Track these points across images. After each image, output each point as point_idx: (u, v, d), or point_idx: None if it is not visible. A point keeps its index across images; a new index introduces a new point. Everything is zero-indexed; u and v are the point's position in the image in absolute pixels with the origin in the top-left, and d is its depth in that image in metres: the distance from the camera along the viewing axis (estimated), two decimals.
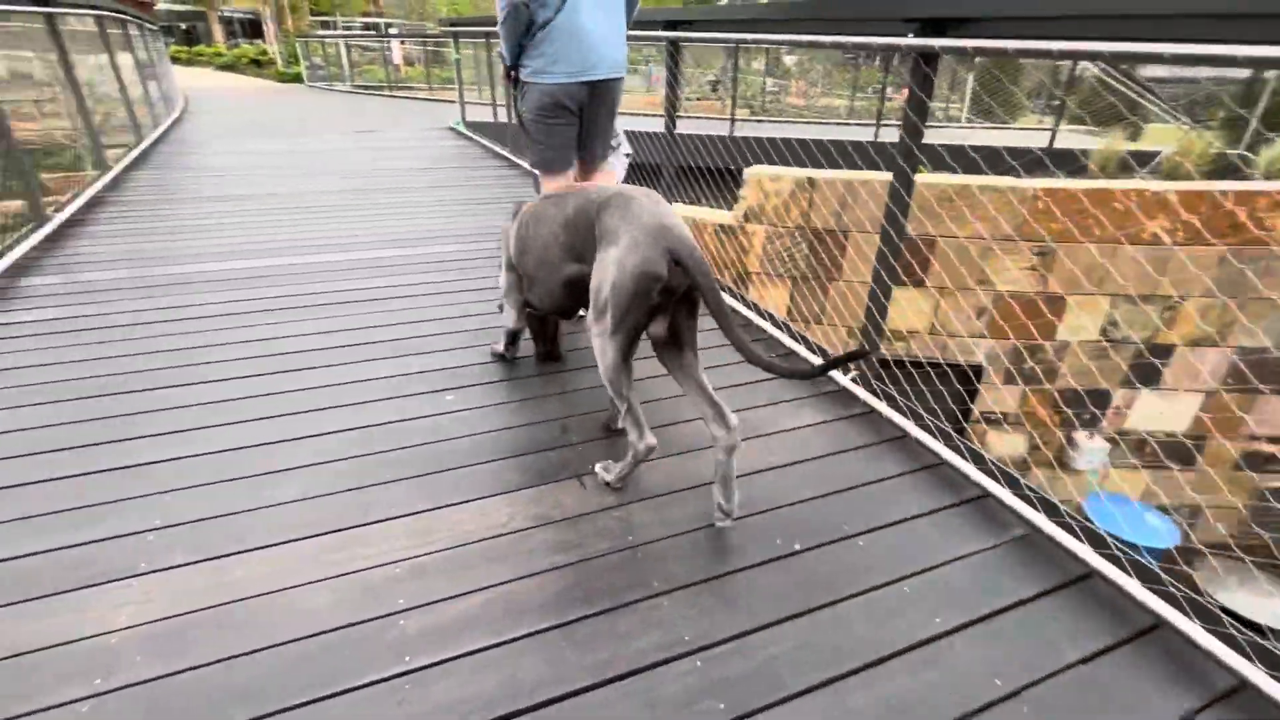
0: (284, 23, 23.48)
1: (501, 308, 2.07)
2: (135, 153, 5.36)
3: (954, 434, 1.76)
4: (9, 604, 1.24)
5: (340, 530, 1.44)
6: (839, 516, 1.54)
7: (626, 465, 1.56)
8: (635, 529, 1.48)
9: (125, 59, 6.10)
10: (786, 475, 1.68)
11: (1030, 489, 1.57)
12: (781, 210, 5.38)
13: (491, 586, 1.32)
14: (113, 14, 5.84)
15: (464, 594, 1.30)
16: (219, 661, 1.15)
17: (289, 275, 2.88)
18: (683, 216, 5.61)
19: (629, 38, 2.30)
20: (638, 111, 8.36)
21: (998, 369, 5.61)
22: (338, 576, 1.32)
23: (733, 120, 7.30)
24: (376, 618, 1.24)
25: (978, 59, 9.45)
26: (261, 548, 1.39)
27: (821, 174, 5.20)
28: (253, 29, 29.59)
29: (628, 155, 2.84)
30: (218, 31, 29.59)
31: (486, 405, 1.94)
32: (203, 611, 1.24)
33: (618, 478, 1.58)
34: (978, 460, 1.68)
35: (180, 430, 1.76)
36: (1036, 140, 7.86)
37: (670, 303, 1.44)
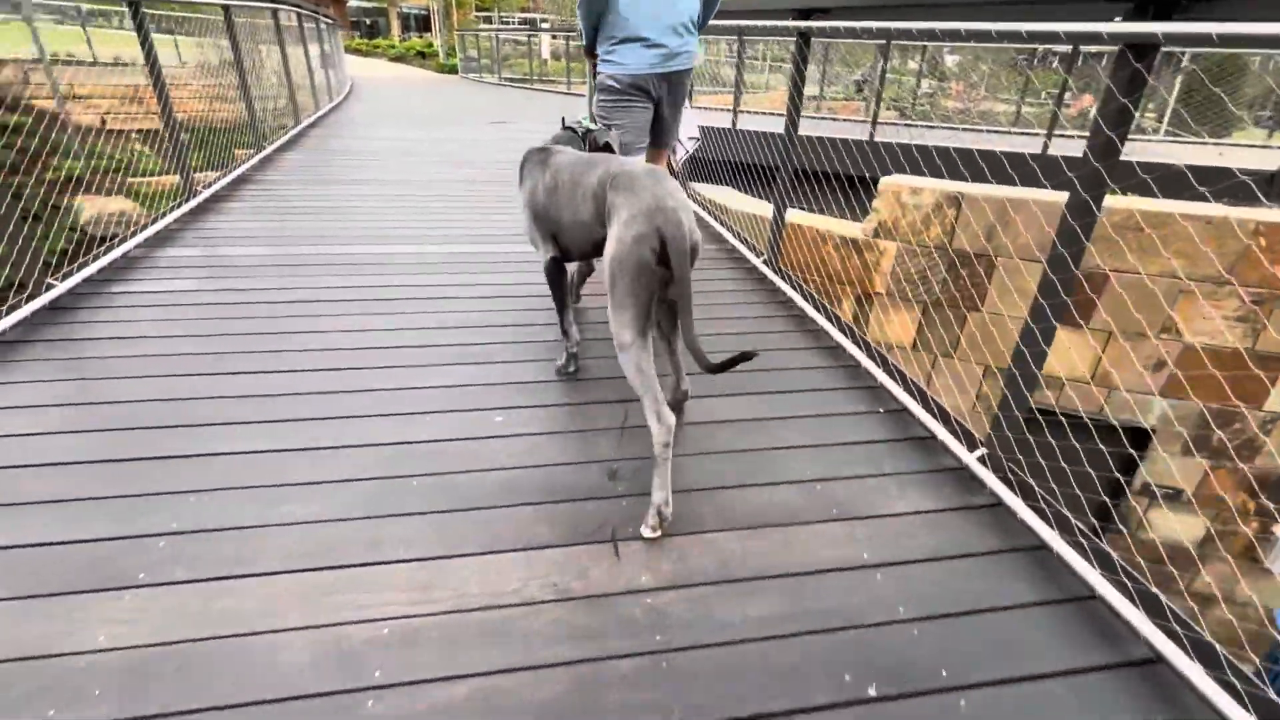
0: (449, 17, 25.22)
1: (534, 243, 1.95)
2: (289, 135, 5.79)
3: (1125, 566, 1.30)
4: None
5: (341, 567, 1.30)
6: (938, 654, 1.17)
7: (660, 469, 1.43)
8: (668, 627, 1.20)
9: (296, 51, 6.65)
10: (872, 580, 1.33)
11: (1231, 665, 1.10)
12: (919, 226, 4.78)
13: (480, 675, 1.10)
14: (294, 7, 6.38)
15: (447, 679, 1.09)
16: (172, 715, 1.02)
17: (384, 265, 2.86)
18: (802, 225, 5.17)
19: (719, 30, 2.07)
20: (764, 110, 7.91)
21: (1170, 435, 4.64)
22: (322, 627, 1.17)
23: (874, 123, 6.65)
24: (345, 691, 1.07)
25: (1192, 55, 7.88)
26: (258, 575, 1.27)
27: (971, 189, 4.55)
28: (424, 24, 32.15)
29: (694, 140, 2.79)
30: (395, 26, 32.43)
31: (534, 433, 1.74)
32: (178, 645, 1.13)
33: (661, 452, 1.43)
34: (1150, 605, 1.22)
35: (227, 423, 1.72)
36: (1257, 160, 6.48)
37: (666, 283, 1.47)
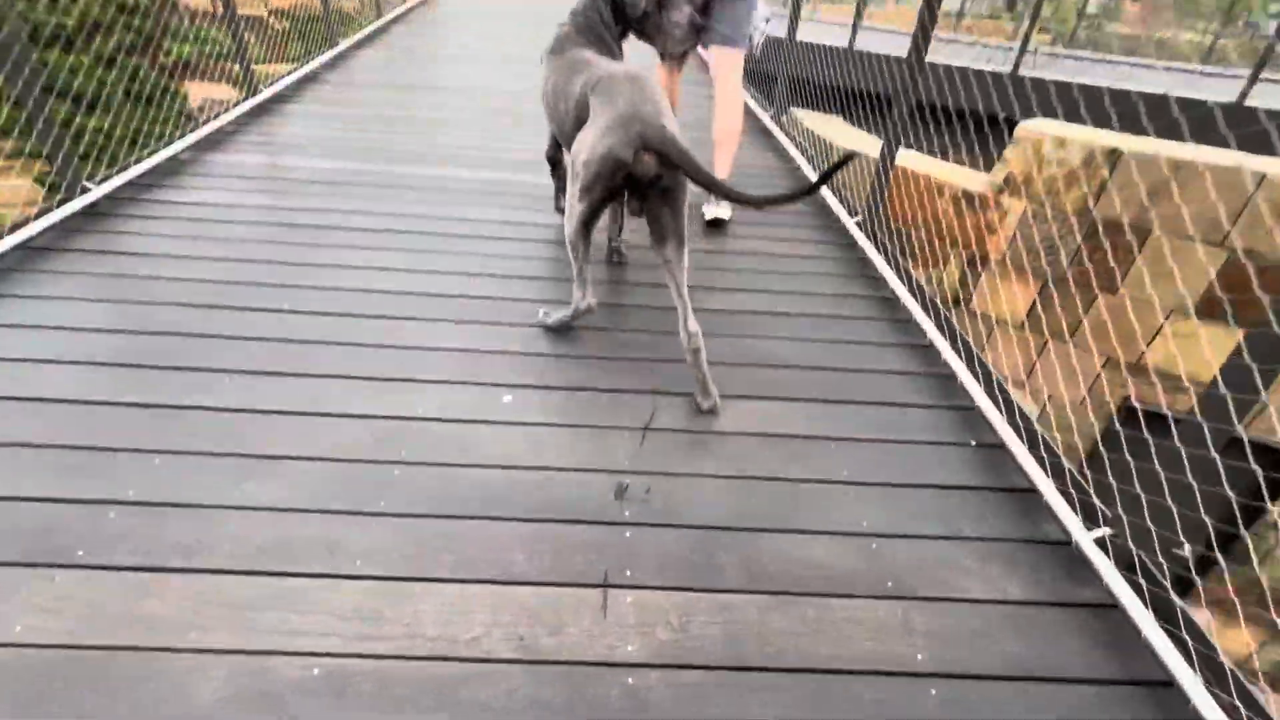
0: None
1: None
2: (366, 31, 5.52)
3: None
4: None
5: (288, 575, 1.13)
6: None
7: (565, 315, 1.73)
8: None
9: None
10: (925, 696, 1.02)
11: None
12: (1058, 185, 4.01)
13: None
14: None
15: None
16: None
17: (437, 191, 2.61)
18: (915, 170, 4.47)
19: None
20: (887, 27, 6.85)
21: None
22: (249, 654, 1.01)
23: (1021, 49, 5.57)
24: None
25: None
26: (197, 571, 1.12)
27: (1135, 144, 3.72)
28: None
29: (768, 21, 2.42)
30: None
31: (540, 423, 1.49)
32: (90, 653, 1.00)
33: (558, 322, 1.75)
34: None
35: (214, 370, 1.57)
36: None
37: (642, 188, 1.48)
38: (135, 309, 1.77)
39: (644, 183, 1.44)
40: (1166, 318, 3.74)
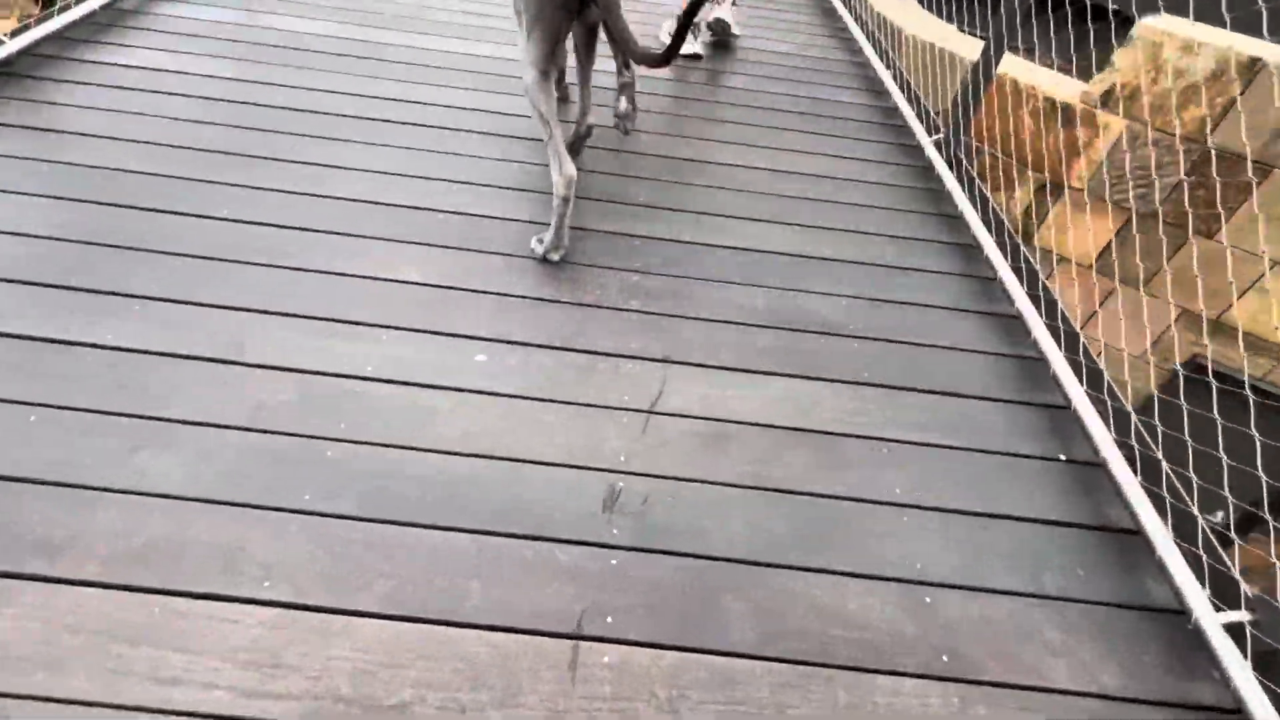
0: None
1: None
2: None
3: None
4: None
5: (172, 594, 0.87)
6: None
7: (555, 219, 1.44)
8: None
9: None
10: None
11: None
12: (1174, 101, 3.36)
13: None
14: None
15: None
16: None
17: (417, 66, 2.16)
18: (999, 72, 3.79)
19: None
20: None
21: None
22: (108, 709, 0.78)
23: None
24: None
25: None
26: (56, 581, 0.88)
27: None
28: None
29: None
30: None
31: (516, 396, 1.19)
32: None
33: (552, 245, 1.46)
34: None
35: (125, 294, 1.25)
36: None
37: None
38: (33, 205, 1.43)
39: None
40: (1271, 269, 3.24)
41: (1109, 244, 3.86)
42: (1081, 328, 4.00)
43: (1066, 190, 3.92)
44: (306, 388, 1.15)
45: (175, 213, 1.46)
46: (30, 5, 4.57)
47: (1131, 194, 3.57)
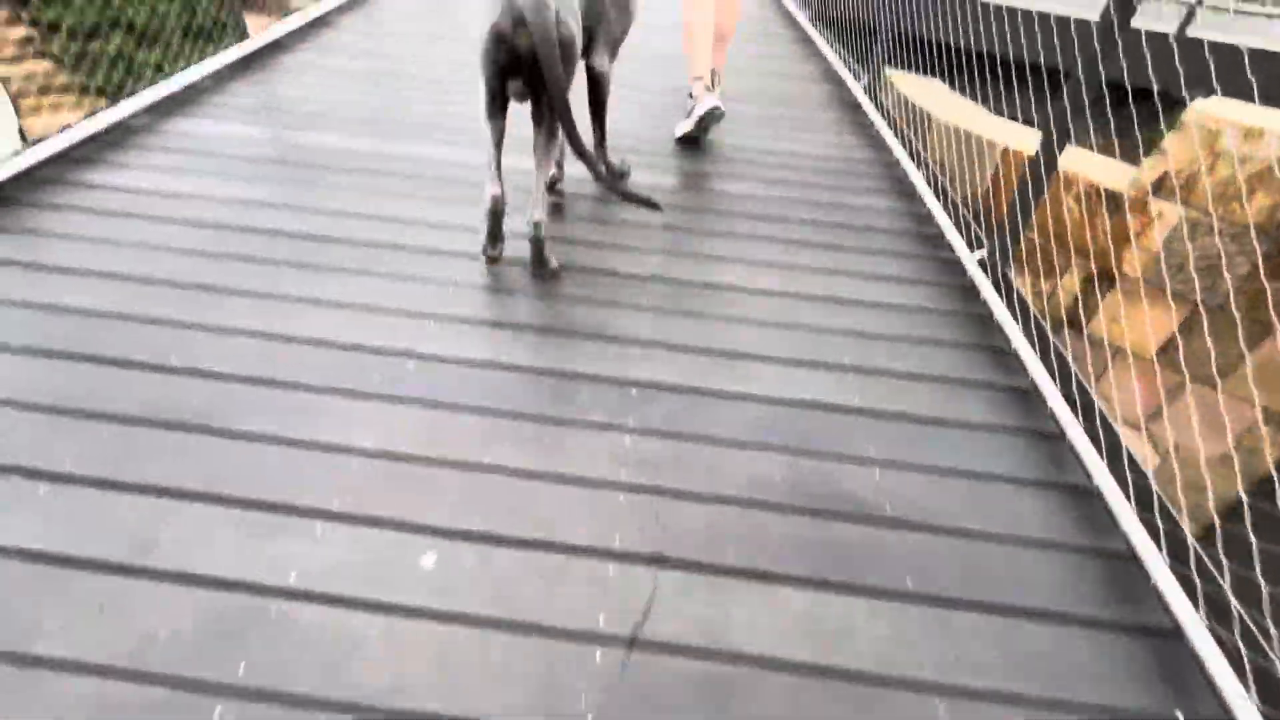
0: None
1: None
2: None
3: None
4: None
5: None
6: None
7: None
8: None
9: None
10: None
11: None
12: (1233, 188, 3.09)
13: None
14: None
15: None
16: None
17: (424, 179, 2.06)
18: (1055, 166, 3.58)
19: None
20: None
21: None
22: None
23: (1194, 4, 4.41)
24: None
25: None
26: None
27: None
28: None
29: None
30: None
31: (465, 618, 0.95)
32: None
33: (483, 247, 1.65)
34: None
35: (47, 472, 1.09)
36: None
37: (527, 68, 1.45)
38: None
39: (526, 61, 1.42)
40: None
41: (1171, 336, 3.53)
42: (1145, 425, 3.62)
43: (1117, 279, 3.64)
44: (211, 607, 0.94)
45: (124, 363, 1.32)
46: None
47: (1198, 286, 3.26)
